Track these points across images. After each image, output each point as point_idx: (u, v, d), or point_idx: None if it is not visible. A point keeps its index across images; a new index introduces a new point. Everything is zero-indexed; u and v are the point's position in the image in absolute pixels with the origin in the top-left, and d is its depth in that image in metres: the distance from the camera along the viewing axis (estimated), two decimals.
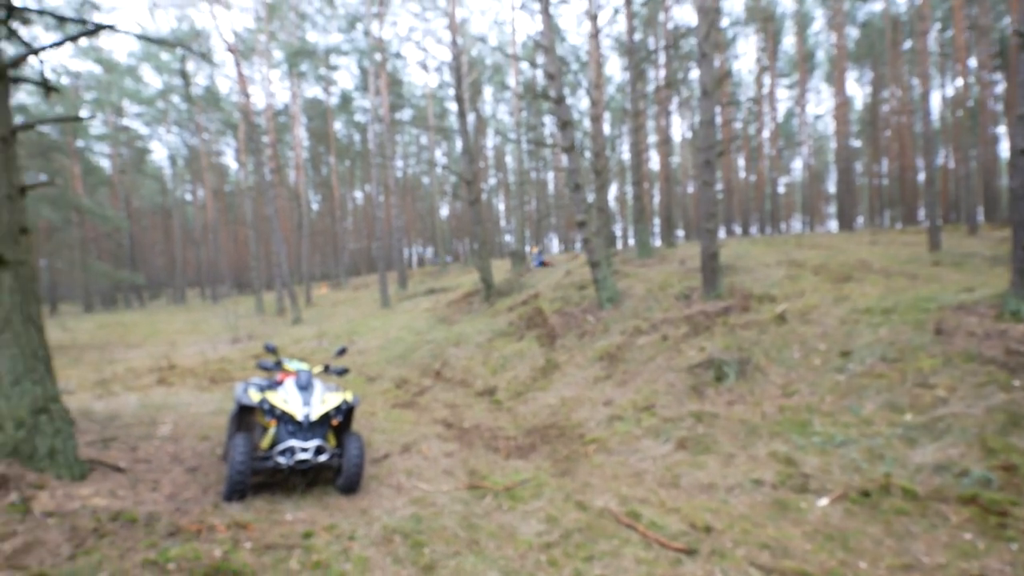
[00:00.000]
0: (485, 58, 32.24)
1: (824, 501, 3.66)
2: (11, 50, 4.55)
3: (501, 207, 45.49)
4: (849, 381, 5.19)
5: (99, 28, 4.44)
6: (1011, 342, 4.77)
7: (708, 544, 3.21)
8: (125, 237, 36.18)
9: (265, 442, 4.02)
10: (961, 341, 5.09)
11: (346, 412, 4.28)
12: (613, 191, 40.27)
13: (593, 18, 14.94)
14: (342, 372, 4.95)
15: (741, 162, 37.26)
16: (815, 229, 38.21)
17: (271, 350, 4.82)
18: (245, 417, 4.39)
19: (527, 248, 24.28)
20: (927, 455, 3.92)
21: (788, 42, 34.08)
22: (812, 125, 39.12)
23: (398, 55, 29.51)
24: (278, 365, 4.70)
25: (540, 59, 20.76)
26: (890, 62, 28.66)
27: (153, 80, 34.18)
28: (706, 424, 5.18)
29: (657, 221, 33.35)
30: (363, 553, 3.07)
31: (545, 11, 10.42)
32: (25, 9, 4.25)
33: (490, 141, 40.54)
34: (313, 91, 35.03)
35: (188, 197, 44.46)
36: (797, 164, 44.01)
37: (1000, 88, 24.03)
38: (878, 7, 29.60)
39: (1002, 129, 24.31)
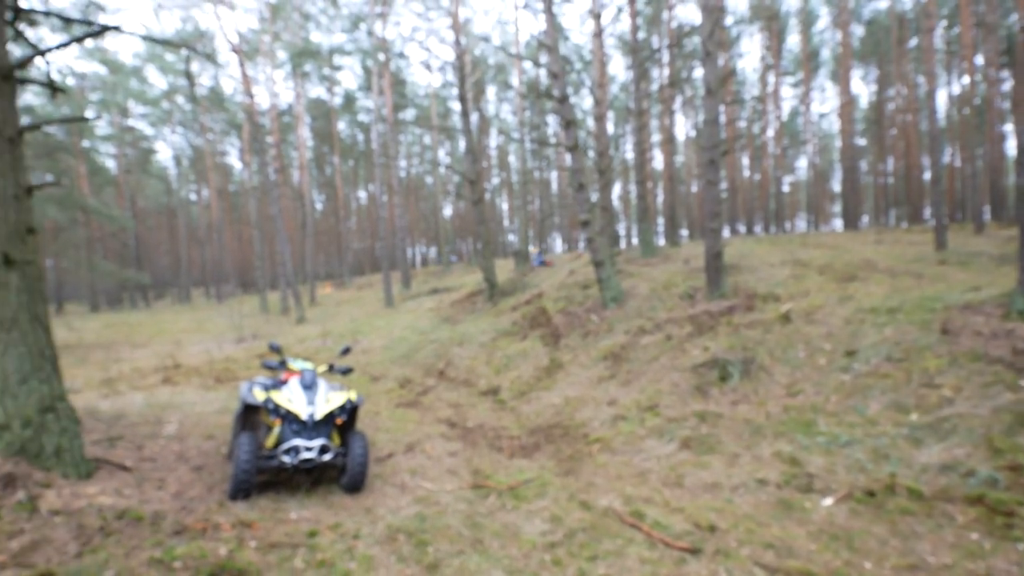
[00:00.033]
0: (488, 58, 32.24)
1: (829, 501, 3.65)
2: (18, 51, 4.59)
3: (504, 207, 45.48)
4: (854, 381, 5.17)
5: (104, 29, 4.47)
6: (1018, 342, 4.74)
7: (712, 544, 3.20)
8: (130, 237, 36.39)
9: (270, 441, 4.04)
10: (967, 341, 5.06)
11: (350, 411, 4.30)
12: (617, 190, 40.16)
13: (596, 17, 14.92)
14: (346, 371, 4.96)
15: (745, 161, 37.13)
16: (820, 228, 38.02)
17: (275, 349, 4.84)
18: (250, 416, 4.41)
19: (530, 248, 24.30)
20: (933, 455, 3.89)
21: (793, 40, 33.94)
22: (817, 124, 38.93)
23: (401, 55, 29.56)
24: (282, 364, 4.72)
25: (543, 58, 20.73)
26: (895, 60, 28.50)
27: (158, 81, 34.40)
28: (710, 424, 5.16)
29: (661, 220, 33.30)
30: (367, 552, 3.08)
31: (548, 10, 10.41)
32: (31, 11, 4.28)
33: (493, 141, 40.53)
34: (317, 91, 35.15)
35: (193, 197, 44.68)
36: (802, 163, 43.85)
37: (1007, 86, 23.84)
38: (883, 4, 29.47)
39: (1009, 127, 24.11)
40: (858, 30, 31.92)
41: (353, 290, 30.86)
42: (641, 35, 25.03)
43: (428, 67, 29.01)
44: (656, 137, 29.69)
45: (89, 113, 32.29)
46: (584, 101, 30.32)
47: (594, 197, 14.54)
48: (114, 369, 10.35)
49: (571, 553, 3.16)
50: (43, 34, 18.85)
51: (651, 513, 3.65)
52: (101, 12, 21.83)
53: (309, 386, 4.17)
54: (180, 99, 34.01)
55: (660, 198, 35.42)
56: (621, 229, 39.94)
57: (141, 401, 7.20)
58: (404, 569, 2.93)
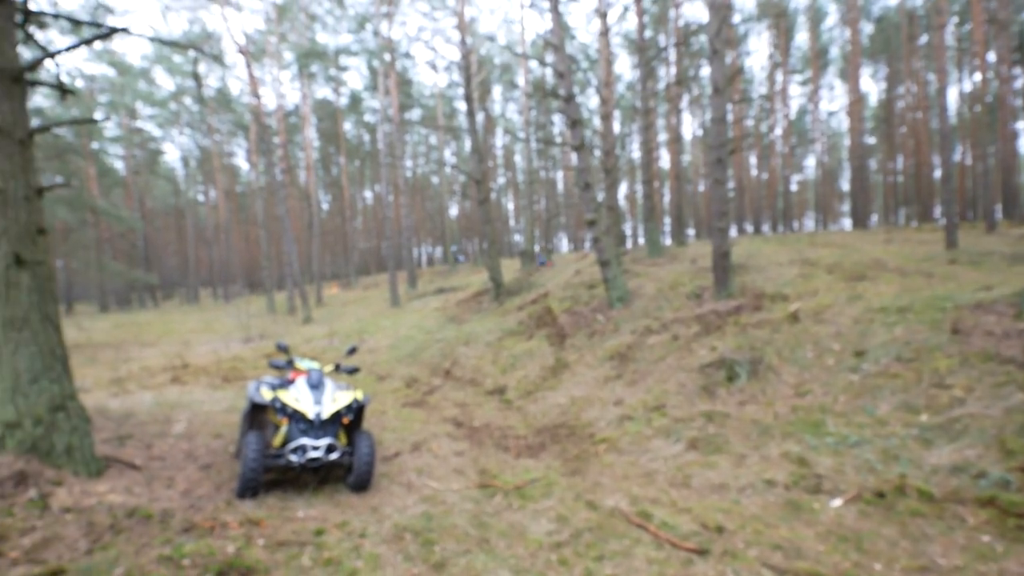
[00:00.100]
0: (494, 57, 32.24)
1: (838, 502, 3.62)
2: (28, 54, 4.63)
3: (510, 206, 45.47)
4: (863, 381, 5.12)
5: (113, 31, 4.51)
6: None
7: (720, 544, 3.19)
8: (139, 237, 36.71)
9: (277, 440, 4.06)
10: (979, 341, 5.00)
11: (357, 411, 4.31)
12: (623, 190, 40.11)
13: (603, 16, 14.87)
14: (353, 371, 4.98)
15: (753, 160, 36.89)
16: (828, 227, 37.73)
17: (283, 349, 4.86)
18: (257, 415, 4.43)
19: (536, 248, 24.29)
20: (943, 456, 3.85)
21: (801, 38, 33.65)
22: (825, 122, 38.62)
23: (407, 55, 29.62)
24: (290, 364, 4.75)
25: (549, 57, 20.69)
26: (906, 57, 28.20)
27: (166, 82, 34.70)
28: (717, 424, 5.13)
29: (667, 220, 33.14)
30: (374, 550, 3.09)
31: (554, 9, 10.39)
32: (41, 13, 4.32)
33: (499, 140, 40.54)
34: (323, 92, 35.32)
35: (200, 198, 44.99)
36: (810, 162, 43.51)
37: (1020, 83, 23.57)
38: (893, 1, 29.14)
39: (1021, 125, 23.85)
40: (867, 27, 31.63)
41: (359, 290, 30.97)
42: (647, 33, 24.93)
43: (434, 67, 29.07)
44: (663, 136, 29.59)
45: (98, 115, 32.63)
46: (590, 100, 30.27)
47: (600, 196, 14.50)
48: (123, 368, 10.45)
49: (578, 553, 3.15)
50: (52, 37, 19.04)
51: (658, 513, 3.63)
52: (109, 14, 22.05)
53: (316, 385, 4.19)
54: (188, 100, 34.29)
55: (667, 197, 35.26)
56: (627, 229, 39.82)
57: (150, 400, 7.26)
58: (411, 568, 2.93)
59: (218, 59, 24.60)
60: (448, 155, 41.73)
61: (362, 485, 4.01)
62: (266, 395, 4.11)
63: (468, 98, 15.07)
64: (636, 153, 34.91)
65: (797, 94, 37.70)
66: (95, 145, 33.03)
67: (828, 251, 11.84)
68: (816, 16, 31.56)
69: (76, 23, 4.64)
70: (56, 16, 4.55)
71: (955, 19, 27.19)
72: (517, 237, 42.91)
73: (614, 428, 5.70)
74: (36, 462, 3.50)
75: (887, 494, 3.59)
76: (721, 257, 8.79)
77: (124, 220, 24.26)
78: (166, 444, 5.06)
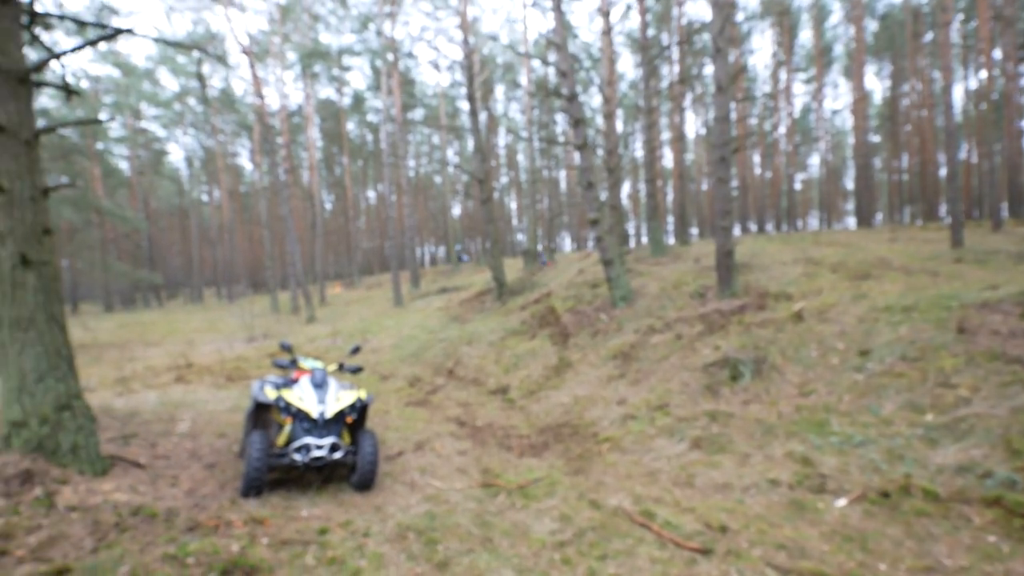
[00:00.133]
0: (497, 56, 32.23)
1: (842, 502, 3.60)
2: (33, 55, 4.66)
3: (513, 206, 45.48)
4: (868, 380, 5.10)
5: (118, 32, 4.53)
6: None
7: (724, 544, 3.18)
8: (144, 238, 36.90)
9: (281, 439, 4.07)
10: (984, 340, 4.97)
11: (360, 410, 4.32)
12: (626, 189, 40.05)
13: (605, 15, 14.85)
14: (356, 370, 4.99)
15: (757, 159, 36.78)
16: (832, 226, 37.57)
17: (286, 348, 4.88)
18: (261, 414, 4.45)
19: (539, 247, 24.29)
20: (949, 456, 3.83)
21: (805, 36, 33.53)
22: (829, 120, 38.42)
23: (410, 55, 29.65)
24: (293, 363, 4.76)
25: (552, 56, 20.69)
26: (910, 55, 28.05)
27: (170, 83, 34.83)
28: (721, 423, 5.12)
29: (671, 219, 33.08)
30: (378, 549, 3.10)
31: (557, 8, 10.38)
32: (47, 14, 4.35)
33: (502, 140, 40.52)
34: (326, 92, 35.38)
35: (204, 198, 45.19)
36: (814, 160, 43.32)
37: None
38: None
39: None
40: (872, 25, 31.47)
41: (362, 290, 31.03)
42: (650, 32, 24.89)
43: (437, 67, 29.08)
44: (666, 135, 29.51)
45: (103, 115, 32.78)
46: (593, 99, 30.25)
47: (603, 196, 14.47)
48: (128, 368, 10.50)
49: (581, 552, 3.15)
50: (58, 38, 19.16)
51: (661, 513, 3.63)
52: (114, 15, 22.16)
53: (320, 385, 4.20)
54: (192, 101, 34.41)
55: (670, 196, 35.18)
56: (630, 228, 39.77)
57: (155, 399, 7.29)
58: (414, 567, 2.94)
59: (222, 60, 24.65)
60: (451, 155, 41.76)
61: (366, 484, 4.02)
62: (270, 394, 4.13)
63: (471, 98, 15.07)
64: (639, 152, 34.84)
65: (801, 92, 37.56)
66: (100, 146, 33.19)
67: (832, 250, 11.79)
68: (820, 14, 31.42)
69: (81, 24, 4.66)
70: (61, 17, 4.57)
71: (960, 16, 27.04)
72: (520, 236, 42.93)
73: (617, 427, 5.69)
74: (42, 461, 3.52)
75: (892, 494, 3.57)
76: (725, 256, 8.77)
77: (129, 220, 24.38)
78: (170, 443, 5.09)
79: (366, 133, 41.63)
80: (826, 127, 36.37)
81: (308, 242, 39.65)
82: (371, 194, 49.17)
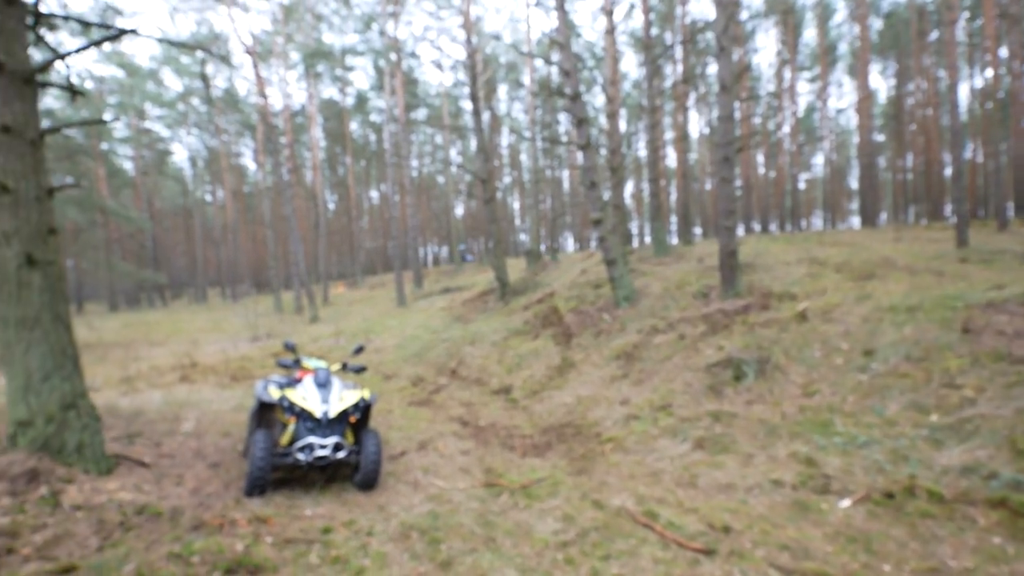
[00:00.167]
0: (500, 56, 32.22)
1: (846, 502, 3.59)
2: (38, 56, 4.68)
3: (516, 205, 45.45)
4: (872, 381, 5.08)
5: (122, 33, 4.55)
6: None
7: (727, 544, 3.17)
8: (148, 238, 37.06)
9: (285, 439, 4.09)
10: (990, 340, 4.94)
11: (363, 409, 4.33)
12: (629, 188, 39.93)
13: (609, 14, 14.82)
14: (359, 370, 4.99)
15: (760, 158, 36.62)
16: (837, 226, 37.41)
17: (290, 348, 4.89)
18: (265, 414, 4.46)
19: (543, 247, 24.28)
20: (954, 457, 3.81)
21: (809, 35, 33.37)
22: (834, 119, 38.26)
23: (413, 54, 29.66)
24: (297, 363, 4.77)
25: (555, 56, 20.66)
26: (915, 53, 27.90)
27: (174, 83, 34.96)
28: (724, 424, 5.11)
29: (674, 219, 33.02)
30: (381, 549, 3.10)
31: (560, 7, 10.37)
32: (52, 15, 4.37)
33: (505, 139, 40.51)
34: (329, 92, 35.45)
35: (208, 198, 45.33)
36: (818, 160, 43.18)
37: None
38: None
39: None
40: (876, 23, 31.29)
41: (365, 289, 31.09)
42: (654, 31, 24.84)
43: (439, 66, 29.10)
44: (669, 134, 29.46)
45: (107, 116, 32.93)
46: (596, 99, 30.17)
47: (606, 195, 14.47)
48: (133, 367, 10.55)
49: (584, 552, 3.15)
50: (62, 38, 19.24)
51: (664, 513, 3.62)
52: (118, 16, 22.25)
53: (323, 384, 4.21)
54: (195, 101, 34.54)
55: (673, 196, 35.14)
56: (634, 228, 39.66)
57: (159, 399, 7.32)
58: (417, 566, 2.94)
59: (225, 60, 24.75)
60: (454, 154, 41.79)
61: (369, 483, 4.03)
62: (274, 394, 4.14)
63: (474, 97, 15.08)
64: (642, 151, 34.76)
65: (805, 91, 37.39)
66: (104, 146, 33.35)
67: (836, 250, 11.75)
68: (824, 12, 31.29)
69: (86, 25, 4.68)
70: (66, 18, 4.59)
71: (966, 14, 26.86)
72: (523, 236, 42.91)
73: (620, 427, 5.68)
74: (48, 460, 3.54)
75: (896, 495, 3.56)
76: (728, 256, 8.75)
77: (133, 220, 24.51)
78: (175, 442, 5.11)
79: (369, 133, 41.69)
80: (830, 126, 36.24)
81: (311, 242, 39.74)
82: (374, 194, 49.27)
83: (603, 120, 24.15)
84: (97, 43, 4.39)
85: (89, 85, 30.87)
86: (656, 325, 8.36)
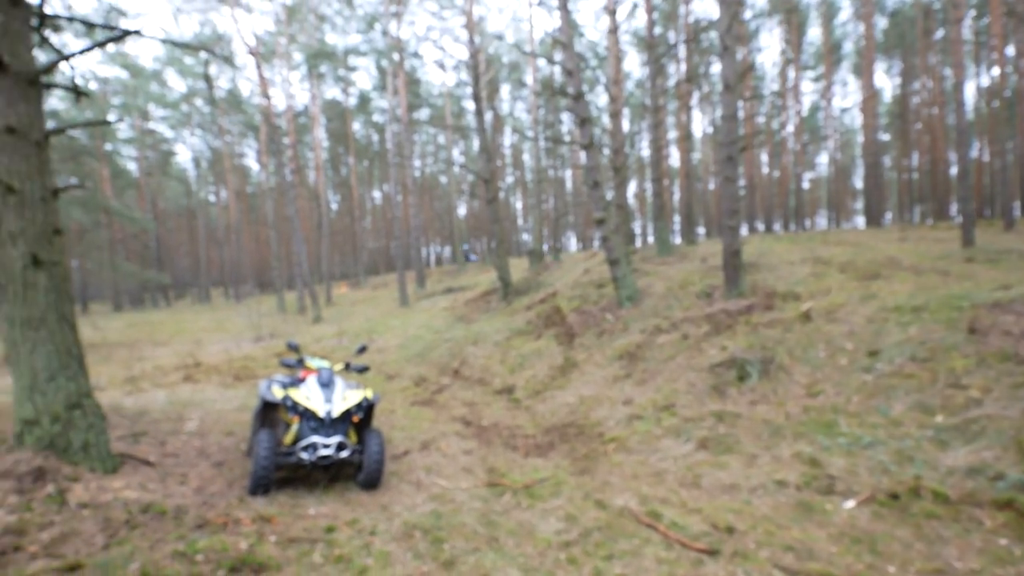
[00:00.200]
0: (502, 56, 32.21)
1: (851, 503, 3.57)
2: (43, 57, 4.71)
3: (519, 205, 45.43)
4: (877, 381, 5.05)
5: (126, 34, 4.57)
6: None
7: (730, 545, 3.16)
8: (152, 238, 37.20)
9: (288, 438, 4.10)
10: (996, 340, 4.91)
11: (367, 409, 4.34)
12: (632, 188, 39.86)
13: (612, 13, 14.80)
14: (362, 370, 5.00)
15: (764, 158, 36.51)
16: (841, 225, 37.27)
17: (293, 348, 4.90)
18: (269, 413, 4.47)
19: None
20: (959, 458, 3.79)
21: (814, 33, 33.21)
22: (838, 119, 38.11)
23: (416, 54, 29.71)
24: (300, 363, 4.78)
25: (558, 55, 20.64)
26: (921, 52, 27.75)
27: (177, 84, 35.08)
28: (728, 424, 5.10)
29: (677, 218, 32.93)
30: (384, 548, 3.11)
31: (563, 7, 10.36)
32: (56, 16, 4.39)
33: (507, 139, 40.51)
34: (332, 92, 35.51)
35: (212, 198, 45.48)
36: (822, 159, 42.99)
37: None
38: None
39: None
40: (882, 22, 31.14)
41: (368, 290, 31.13)
42: (657, 30, 24.79)
43: (442, 66, 29.11)
44: (672, 134, 29.39)
45: (111, 117, 33.10)
46: (599, 98, 30.12)
47: (609, 195, 14.45)
48: (137, 367, 10.60)
49: (587, 552, 3.14)
50: (67, 40, 19.34)
51: (668, 513, 3.61)
52: (122, 17, 22.36)
53: (326, 384, 4.22)
54: (199, 102, 34.65)
55: (676, 196, 35.05)
56: (637, 227, 39.63)
57: (163, 398, 7.36)
58: (420, 566, 2.94)
59: (229, 60, 24.80)
60: (456, 154, 41.79)
61: (372, 483, 4.03)
62: (277, 393, 4.15)
63: (476, 97, 15.08)
64: (646, 151, 34.71)
65: (809, 90, 37.30)
66: (108, 147, 33.51)
67: (841, 249, 11.70)
68: (829, 11, 31.15)
69: (90, 26, 4.70)
70: (71, 19, 4.61)
71: (972, 12, 26.68)
72: (526, 236, 42.90)
73: (623, 427, 5.67)
74: (54, 458, 3.56)
75: (901, 496, 3.54)
76: (732, 255, 8.72)
77: (137, 221, 24.62)
78: (179, 441, 5.13)
79: (372, 133, 41.76)
80: (835, 125, 36.09)
81: (314, 242, 39.81)
82: (377, 194, 49.33)
83: (606, 120, 24.11)
84: (101, 44, 4.40)
85: (93, 86, 31.02)
86: (659, 325, 8.34)
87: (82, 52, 4.27)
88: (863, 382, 5.13)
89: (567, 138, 29.62)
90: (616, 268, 9.90)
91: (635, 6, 16.56)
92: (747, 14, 26.07)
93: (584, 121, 10.16)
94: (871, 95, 27.20)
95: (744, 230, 31.44)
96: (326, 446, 3.92)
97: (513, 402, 7.52)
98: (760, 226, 34.29)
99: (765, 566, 2.94)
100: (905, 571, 2.85)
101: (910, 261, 9.70)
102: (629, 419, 5.83)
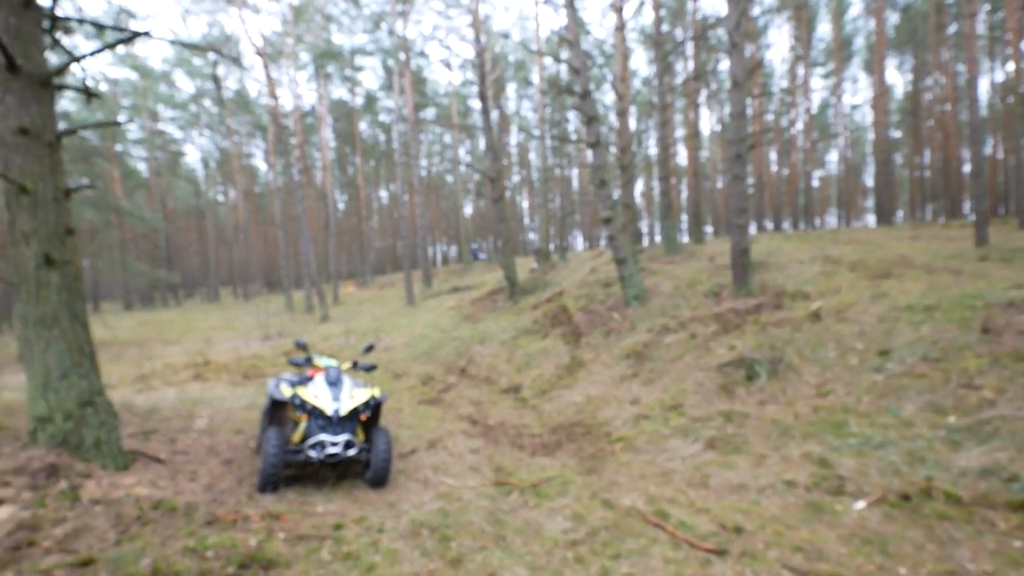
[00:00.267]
0: (508, 54, 32.19)
1: (861, 504, 3.54)
2: (55, 59, 4.76)
3: (525, 204, 45.42)
4: (888, 381, 5.00)
5: (135, 35, 4.60)
6: None
7: (739, 545, 3.14)
8: (161, 238, 37.57)
9: (296, 436, 4.12)
10: (1010, 340, 4.84)
11: (374, 408, 4.35)
12: (639, 187, 39.77)
13: (618, 10, 14.73)
14: (370, 368, 5.02)
15: (773, 155, 36.22)
16: (851, 224, 36.91)
17: (302, 346, 4.93)
18: (277, 412, 4.50)
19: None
20: (972, 459, 3.74)
21: (823, 29, 32.89)
22: (848, 116, 37.68)
23: (422, 54, 29.75)
24: (308, 361, 4.81)
25: (564, 54, 20.58)
26: (933, 47, 27.39)
27: (186, 85, 35.43)
28: (736, 424, 5.06)
29: (685, 217, 32.76)
30: (392, 545, 3.12)
31: (569, 5, 10.33)
32: (67, 18, 4.44)
33: (513, 138, 40.47)
34: (339, 92, 35.66)
35: (220, 198, 45.86)
36: (832, 157, 42.58)
37: None
38: None
39: None
40: (893, 17, 30.76)
41: (375, 289, 31.26)
42: (664, 28, 24.63)
43: (448, 65, 29.15)
44: (680, 132, 29.21)
45: (121, 118, 33.43)
46: (606, 96, 30.06)
47: (616, 194, 14.38)
48: (147, 365, 10.71)
49: (594, 551, 3.14)
50: (78, 42, 19.57)
51: (675, 513, 3.60)
52: (132, 19, 22.58)
53: (334, 383, 4.24)
54: (207, 103, 34.95)
55: (684, 194, 34.86)
56: (644, 226, 39.49)
57: (173, 396, 7.43)
58: (427, 563, 2.95)
59: (236, 61, 24.98)
60: (463, 154, 41.83)
61: (379, 481, 4.05)
62: (286, 392, 4.18)
63: (482, 96, 15.08)
64: (653, 149, 34.57)
65: (819, 87, 36.84)
66: (119, 147, 33.89)
67: (851, 248, 11.58)
68: (839, 6, 30.81)
69: (100, 28, 4.75)
70: (81, 21, 4.66)
71: (986, 7, 26.26)
72: (532, 235, 42.86)
73: (630, 427, 5.66)
74: (66, 455, 3.61)
75: (912, 497, 3.50)
76: (740, 254, 8.66)
77: (147, 221, 24.90)
78: (189, 439, 5.18)
79: (378, 133, 41.89)
80: (845, 123, 35.71)
81: (322, 242, 40.05)
82: (383, 194, 49.48)
83: (613, 118, 24.04)
84: (111, 46, 4.44)
85: (104, 88, 31.38)
86: (667, 324, 8.31)
87: (93, 54, 4.31)
88: (874, 382, 5.08)
89: (573, 136, 29.56)
90: (623, 267, 9.87)
91: (642, 3, 16.48)
92: (756, 10, 25.84)
93: (591, 119, 10.13)
94: (882, 92, 26.89)
95: (753, 229, 31.23)
96: (334, 444, 3.94)
97: (520, 401, 7.52)
98: (769, 224, 34.04)
99: (774, 566, 2.91)
100: (916, 573, 2.82)
101: (922, 260, 9.59)
102: (636, 419, 5.81)
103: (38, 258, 3.72)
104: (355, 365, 5.00)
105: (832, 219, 42.94)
